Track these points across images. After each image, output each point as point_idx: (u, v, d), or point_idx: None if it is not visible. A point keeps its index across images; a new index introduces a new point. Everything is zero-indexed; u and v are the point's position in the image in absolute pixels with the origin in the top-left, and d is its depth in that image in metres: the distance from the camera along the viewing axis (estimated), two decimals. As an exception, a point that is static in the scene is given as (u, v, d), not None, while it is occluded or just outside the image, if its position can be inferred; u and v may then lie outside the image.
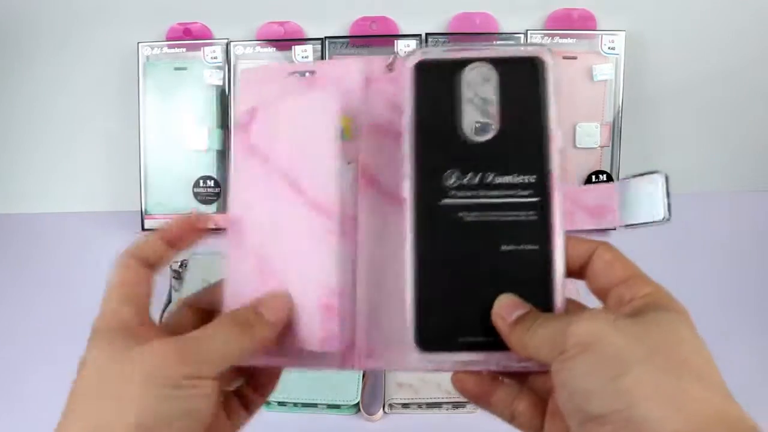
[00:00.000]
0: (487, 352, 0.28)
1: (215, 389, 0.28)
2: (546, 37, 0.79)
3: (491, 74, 0.29)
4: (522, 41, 0.78)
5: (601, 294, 0.29)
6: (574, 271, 0.30)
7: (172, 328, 0.32)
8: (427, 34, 0.79)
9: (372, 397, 0.64)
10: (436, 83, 0.29)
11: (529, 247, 0.29)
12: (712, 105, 0.84)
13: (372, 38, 0.81)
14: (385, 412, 0.64)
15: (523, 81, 0.29)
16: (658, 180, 0.29)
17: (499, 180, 0.29)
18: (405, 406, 0.63)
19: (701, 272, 0.74)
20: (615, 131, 0.79)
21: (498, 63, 0.29)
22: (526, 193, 0.29)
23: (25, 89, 0.87)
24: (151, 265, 0.33)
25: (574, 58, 0.79)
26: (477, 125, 0.29)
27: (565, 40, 0.79)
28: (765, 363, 0.64)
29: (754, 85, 0.83)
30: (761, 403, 0.59)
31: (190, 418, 0.27)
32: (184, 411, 0.27)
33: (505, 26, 0.81)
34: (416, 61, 0.29)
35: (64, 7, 0.83)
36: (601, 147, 0.79)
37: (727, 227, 0.81)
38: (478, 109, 0.29)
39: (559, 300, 0.28)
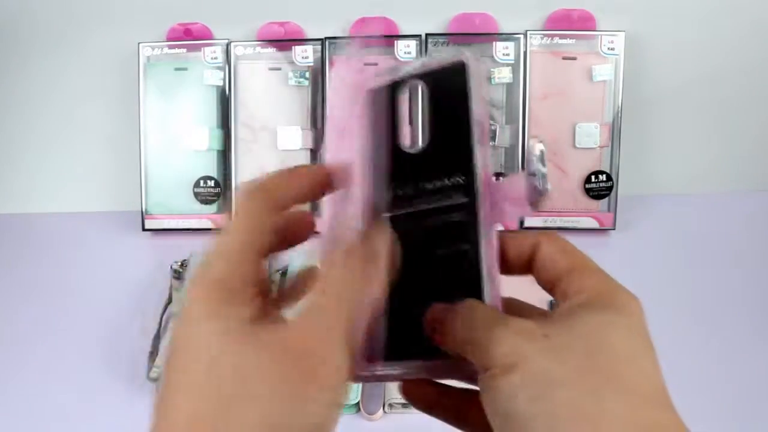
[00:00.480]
0: (432, 361, 0.28)
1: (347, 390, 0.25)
2: (546, 38, 0.79)
3: (419, 88, 0.30)
4: (522, 41, 0.79)
5: (549, 288, 0.28)
6: (522, 267, 0.29)
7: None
8: (427, 35, 0.80)
9: (372, 397, 0.64)
10: (378, 107, 0.31)
11: (462, 248, 0.29)
12: (711, 105, 0.84)
13: (372, 38, 0.81)
14: (385, 412, 0.64)
15: (447, 88, 0.30)
16: (520, 180, 0.29)
17: (431, 186, 0.30)
18: (405, 405, 0.63)
19: (701, 272, 0.74)
20: (614, 131, 0.79)
21: (424, 76, 0.30)
22: (456, 195, 0.29)
23: (25, 89, 0.87)
24: (279, 207, 0.26)
25: (574, 58, 0.79)
26: (410, 138, 0.30)
27: (564, 41, 0.79)
28: (764, 361, 0.64)
29: (753, 85, 0.83)
30: (762, 402, 0.60)
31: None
32: (314, 425, 0.23)
33: (505, 27, 0.81)
34: (367, 89, 0.31)
35: (65, 7, 0.83)
36: (601, 147, 0.80)
37: (726, 227, 0.81)
38: (412, 122, 0.30)
39: (488, 298, 0.28)
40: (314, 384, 0.23)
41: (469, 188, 0.29)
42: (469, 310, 0.27)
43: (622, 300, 0.25)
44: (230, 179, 0.82)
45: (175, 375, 0.22)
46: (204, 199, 0.83)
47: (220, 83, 0.82)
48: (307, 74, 0.81)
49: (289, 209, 0.27)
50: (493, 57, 0.79)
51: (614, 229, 0.80)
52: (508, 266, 0.29)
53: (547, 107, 0.80)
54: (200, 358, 0.22)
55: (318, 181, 0.28)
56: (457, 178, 0.29)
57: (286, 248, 0.29)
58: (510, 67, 0.79)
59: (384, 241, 0.27)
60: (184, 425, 0.21)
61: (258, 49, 0.82)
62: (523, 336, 0.24)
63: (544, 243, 0.28)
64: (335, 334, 0.24)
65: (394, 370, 0.28)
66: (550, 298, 0.29)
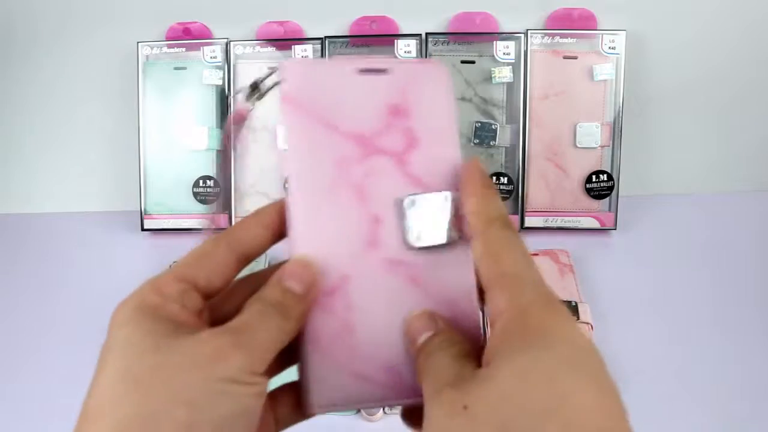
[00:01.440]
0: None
1: (266, 386, 0.25)
2: (546, 37, 0.79)
3: None
4: (522, 41, 0.78)
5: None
6: None
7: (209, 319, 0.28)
8: (427, 34, 0.79)
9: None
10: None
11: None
12: (712, 105, 0.84)
13: (372, 38, 0.80)
14: (384, 413, 0.63)
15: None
16: (444, 200, 0.29)
17: None
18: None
19: (701, 272, 0.74)
20: (615, 131, 0.79)
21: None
22: None
23: (24, 89, 0.86)
24: (245, 252, 0.28)
25: (575, 57, 0.79)
26: None
27: (565, 40, 0.79)
28: (765, 362, 0.64)
29: (754, 85, 0.83)
30: (763, 402, 0.59)
31: (243, 418, 0.24)
32: (239, 410, 0.24)
33: (506, 26, 0.81)
34: None
35: (64, 7, 0.82)
36: (602, 147, 0.79)
37: (727, 227, 0.81)
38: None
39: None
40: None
41: None
42: (431, 347, 0.26)
43: (539, 324, 0.23)
44: (230, 179, 0.82)
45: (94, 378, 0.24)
46: (203, 199, 0.82)
47: (220, 83, 0.82)
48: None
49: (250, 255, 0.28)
50: (493, 56, 0.79)
51: (615, 229, 0.80)
52: None
53: (547, 107, 0.79)
54: (110, 361, 0.24)
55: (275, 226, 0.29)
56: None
57: (276, 240, 0.30)
58: (510, 67, 0.78)
59: (300, 281, 0.27)
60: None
61: (257, 48, 0.81)
62: (446, 412, 0.23)
63: (474, 239, 0.27)
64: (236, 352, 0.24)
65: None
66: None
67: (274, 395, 0.29)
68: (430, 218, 0.29)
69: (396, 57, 0.31)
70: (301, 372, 0.28)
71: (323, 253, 0.28)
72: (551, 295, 0.24)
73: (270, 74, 0.31)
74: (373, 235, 0.29)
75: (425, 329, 0.27)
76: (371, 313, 0.28)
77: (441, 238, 0.28)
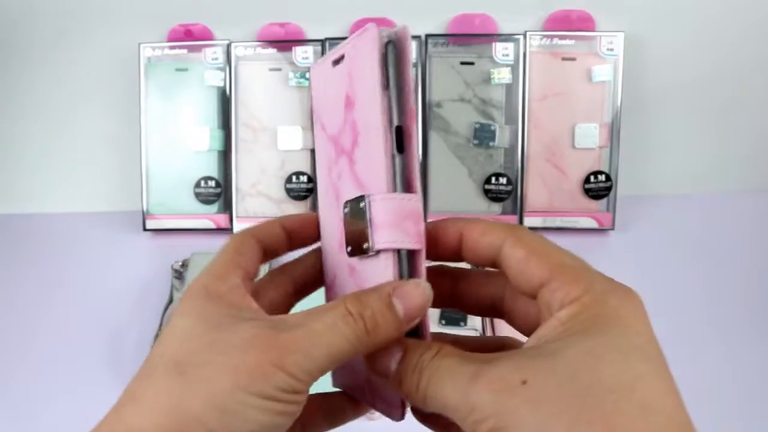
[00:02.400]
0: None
1: (302, 404, 0.23)
2: (545, 38, 0.79)
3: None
4: (521, 42, 0.79)
5: (531, 296, 0.24)
6: (483, 263, 0.26)
7: (265, 304, 0.27)
8: (426, 35, 0.80)
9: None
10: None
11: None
12: (711, 105, 0.84)
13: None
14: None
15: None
16: (361, 205, 0.26)
17: None
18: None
19: (700, 272, 0.74)
20: (614, 132, 0.80)
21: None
22: None
23: (26, 90, 0.87)
24: (267, 248, 0.28)
25: (573, 59, 0.79)
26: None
27: (564, 42, 0.79)
28: (764, 362, 0.64)
29: (752, 85, 0.83)
30: (763, 402, 0.60)
31: (272, 430, 0.22)
32: (269, 424, 0.22)
33: (505, 27, 0.81)
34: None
35: (66, 8, 0.83)
36: (600, 147, 0.80)
37: (726, 227, 0.81)
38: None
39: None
40: (247, 386, 0.22)
41: None
42: (420, 359, 0.23)
43: (616, 310, 0.22)
44: (231, 179, 0.82)
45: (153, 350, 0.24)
46: (205, 200, 0.83)
47: (221, 84, 0.82)
48: (308, 75, 0.81)
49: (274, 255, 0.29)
50: (492, 57, 0.79)
51: (613, 229, 0.80)
52: (470, 263, 0.26)
53: (546, 108, 0.80)
54: (173, 336, 0.23)
55: (305, 230, 0.29)
56: None
57: (295, 248, 0.30)
58: (509, 68, 0.79)
59: (410, 308, 0.24)
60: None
61: (258, 49, 0.82)
62: (499, 390, 0.20)
63: (508, 248, 0.24)
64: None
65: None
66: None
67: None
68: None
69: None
70: None
71: (325, 253, 0.29)
72: (624, 286, 0.23)
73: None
74: (340, 240, 0.27)
75: (390, 353, 0.24)
76: None
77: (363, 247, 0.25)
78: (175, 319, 0.24)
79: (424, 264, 0.25)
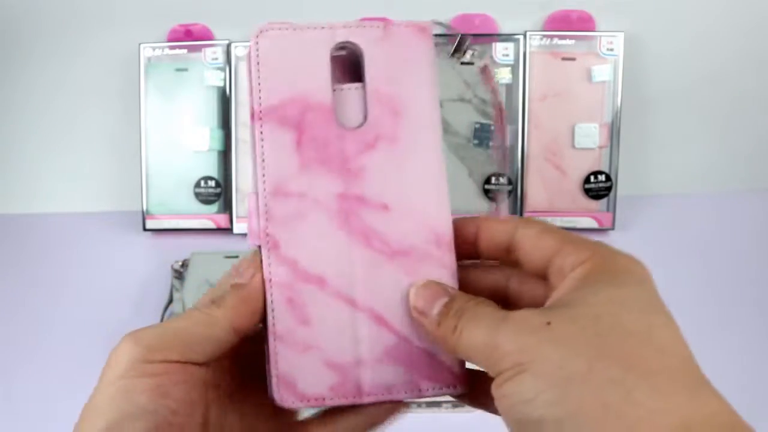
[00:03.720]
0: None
1: (196, 377, 0.25)
2: (545, 39, 0.79)
3: None
4: (521, 42, 0.79)
5: (541, 274, 0.26)
6: (501, 257, 0.27)
7: None
8: (426, 36, 0.80)
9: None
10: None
11: None
12: (711, 106, 0.84)
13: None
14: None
15: None
16: None
17: None
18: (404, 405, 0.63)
19: (700, 272, 0.75)
20: (614, 132, 0.80)
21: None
22: None
23: (26, 90, 0.87)
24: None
25: (573, 59, 0.79)
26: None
27: (563, 42, 0.79)
28: (764, 362, 0.64)
29: (752, 85, 0.84)
30: (763, 402, 0.60)
31: (152, 413, 0.23)
32: (146, 407, 0.23)
33: (505, 27, 0.81)
34: None
35: (65, 8, 0.83)
36: (600, 147, 0.80)
37: (726, 227, 0.81)
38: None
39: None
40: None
41: None
42: (463, 305, 0.25)
43: (626, 267, 0.23)
44: (231, 180, 0.82)
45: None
46: (205, 200, 0.83)
47: (221, 84, 0.82)
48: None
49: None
50: (492, 58, 0.79)
51: (613, 229, 0.80)
52: (484, 255, 0.28)
53: (546, 108, 0.80)
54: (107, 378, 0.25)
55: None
56: None
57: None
58: (509, 68, 0.79)
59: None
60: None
61: (258, 49, 0.82)
62: (523, 329, 0.22)
63: (522, 229, 0.26)
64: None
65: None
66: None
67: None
68: None
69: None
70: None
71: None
72: (628, 253, 0.24)
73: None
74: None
75: (437, 297, 0.26)
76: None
77: None
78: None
79: None
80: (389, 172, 0.27)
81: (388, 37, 0.27)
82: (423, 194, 0.27)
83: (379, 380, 0.28)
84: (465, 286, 0.28)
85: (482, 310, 0.24)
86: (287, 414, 0.28)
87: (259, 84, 0.27)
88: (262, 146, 0.28)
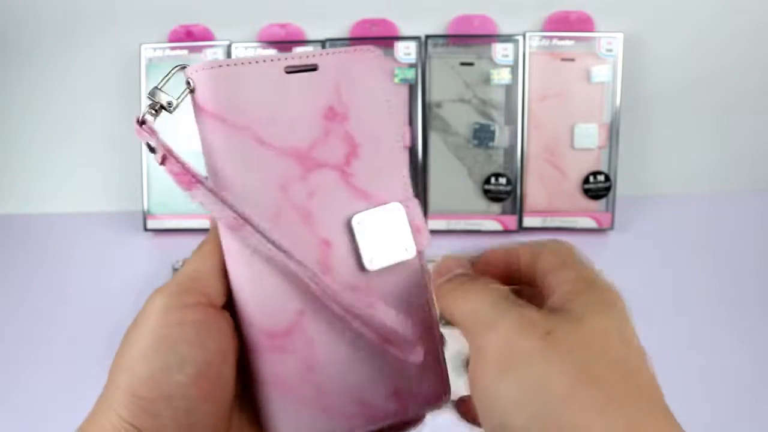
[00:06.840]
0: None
1: (224, 327, 0.26)
2: (544, 39, 0.80)
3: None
4: (521, 43, 0.79)
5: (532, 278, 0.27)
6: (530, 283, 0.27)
7: None
8: (426, 36, 0.80)
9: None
10: None
11: None
12: (710, 106, 0.85)
13: (372, 40, 0.81)
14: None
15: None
16: (394, 213, 0.26)
17: None
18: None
19: (699, 272, 0.75)
20: (613, 132, 0.80)
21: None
22: None
23: (27, 90, 0.87)
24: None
25: (572, 60, 0.80)
26: None
27: (563, 42, 0.80)
28: (764, 362, 0.64)
29: (751, 86, 0.84)
30: (762, 402, 0.60)
31: (193, 363, 0.24)
32: (185, 353, 0.25)
33: (504, 28, 0.81)
34: None
35: (67, 9, 0.83)
36: (599, 148, 0.80)
37: (725, 227, 0.81)
38: None
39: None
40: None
41: None
42: (474, 280, 0.25)
43: (610, 298, 0.24)
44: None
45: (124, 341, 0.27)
46: (205, 200, 0.83)
47: (222, 84, 0.82)
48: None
49: None
50: (492, 58, 0.80)
51: (612, 229, 0.81)
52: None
53: (545, 108, 0.80)
54: (142, 329, 0.26)
55: None
56: None
57: None
58: (509, 69, 0.79)
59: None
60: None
61: (259, 50, 0.82)
62: (523, 328, 0.22)
63: (545, 255, 0.26)
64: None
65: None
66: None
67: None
68: (382, 236, 0.26)
69: (325, 50, 0.28)
70: (264, 416, 0.26)
71: (274, 290, 0.25)
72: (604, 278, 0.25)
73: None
74: (324, 262, 0.26)
75: (458, 267, 0.26)
76: (332, 345, 0.26)
77: (396, 256, 0.26)
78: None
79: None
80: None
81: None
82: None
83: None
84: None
85: (490, 287, 0.24)
86: None
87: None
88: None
